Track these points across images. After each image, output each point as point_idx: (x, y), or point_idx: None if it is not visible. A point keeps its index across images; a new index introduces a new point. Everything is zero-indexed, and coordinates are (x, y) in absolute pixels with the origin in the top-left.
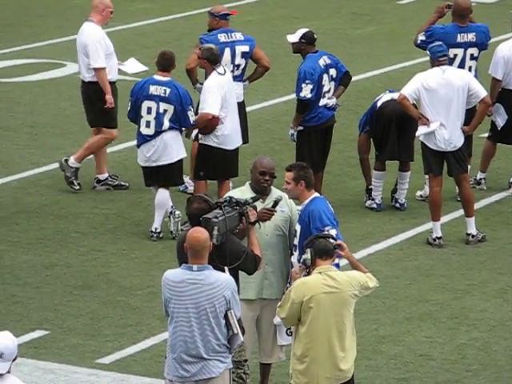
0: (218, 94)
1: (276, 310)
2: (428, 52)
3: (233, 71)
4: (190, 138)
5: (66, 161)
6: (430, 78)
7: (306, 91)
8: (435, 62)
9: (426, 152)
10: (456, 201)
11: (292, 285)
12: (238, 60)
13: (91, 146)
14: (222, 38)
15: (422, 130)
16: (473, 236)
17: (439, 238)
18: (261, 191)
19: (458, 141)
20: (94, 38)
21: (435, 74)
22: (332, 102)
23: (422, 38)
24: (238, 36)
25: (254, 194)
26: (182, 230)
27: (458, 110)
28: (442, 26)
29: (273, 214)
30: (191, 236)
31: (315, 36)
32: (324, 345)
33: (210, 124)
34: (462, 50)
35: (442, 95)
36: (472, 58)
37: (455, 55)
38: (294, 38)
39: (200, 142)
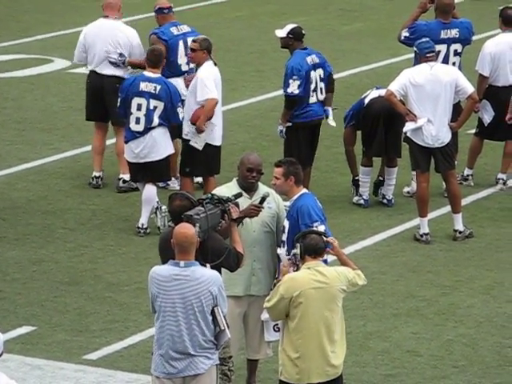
0: (213, 81)
1: (263, 305)
2: (415, 48)
3: (188, 64)
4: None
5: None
6: (417, 73)
7: (294, 87)
8: (422, 58)
9: (413, 148)
10: (443, 197)
11: (281, 280)
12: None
13: (120, 151)
14: (175, 31)
15: (409, 126)
16: (460, 232)
17: (426, 234)
18: (248, 187)
19: (446, 137)
20: (137, 39)
21: (423, 69)
22: (330, 115)
23: (405, 34)
24: (186, 28)
25: (240, 190)
26: (168, 225)
27: (445, 106)
28: (426, 22)
29: (260, 211)
30: (178, 232)
31: (303, 32)
32: (314, 340)
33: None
34: (446, 45)
35: (430, 91)
36: (456, 53)
37: (439, 51)
38: (282, 32)
39: (185, 138)
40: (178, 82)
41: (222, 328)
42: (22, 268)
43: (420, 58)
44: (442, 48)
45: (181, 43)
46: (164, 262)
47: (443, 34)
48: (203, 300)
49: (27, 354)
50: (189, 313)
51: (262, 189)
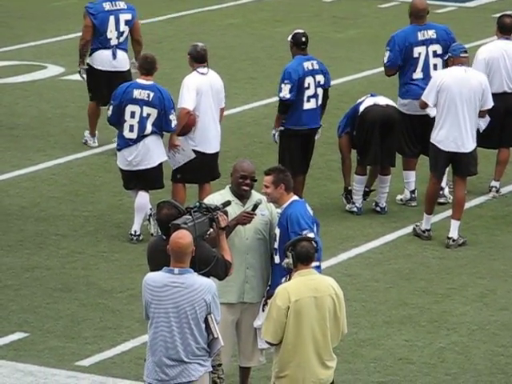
0: (194, 92)
1: (256, 312)
2: (449, 53)
3: (118, 38)
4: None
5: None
6: (450, 76)
7: (285, 91)
8: (456, 59)
9: (435, 152)
10: (438, 203)
11: (274, 293)
12: (122, 27)
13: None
14: (107, 6)
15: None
16: (453, 240)
17: (428, 231)
18: (241, 195)
19: (472, 143)
20: None
21: (456, 72)
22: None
23: (386, 54)
24: (122, 5)
25: (233, 198)
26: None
27: (473, 112)
28: (401, 30)
29: (252, 217)
30: (174, 240)
31: (303, 39)
32: (309, 349)
33: (187, 122)
34: (425, 47)
35: (460, 95)
36: (435, 55)
37: (419, 53)
38: (289, 36)
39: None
40: (105, 54)
41: (216, 336)
42: (14, 274)
43: (453, 60)
44: (422, 50)
45: (111, 18)
46: (152, 270)
47: (420, 36)
48: (197, 308)
49: (20, 360)
50: (182, 320)
51: (255, 196)
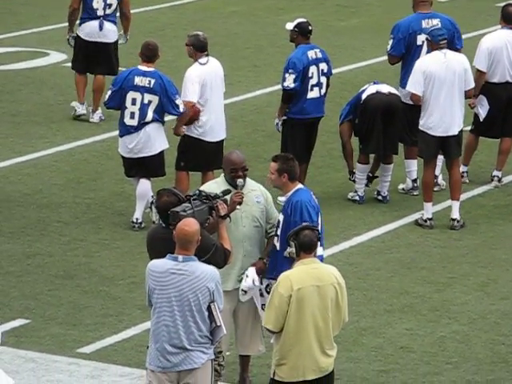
0: (198, 84)
1: (253, 301)
2: (428, 36)
3: (104, 9)
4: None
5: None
6: (431, 63)
7: (289, 81)
8: (435, 45)
9: (426, 139)
10: (434, 191)
11: (277, 281)
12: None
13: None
14: None
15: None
16: (457, 221)
17: (430, 219)
18: (235, 186)
19: (459, 125)
20: None
21: (436, 58)
22: None
23: (389, 43)
24: None
25: (228, 186)
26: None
27: (459, 94)
28: (406, 17)
29: (242, 197)
30: (180, 228)
31: (310, 28)
32: (310, 337)
33: (191, 114)
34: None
35: (444, 80)
36: None
37: (423, 41)
38: (290, 25)
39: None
40: (92, 25)
41: (218, 324)
42: (16, 261)
43: (432, 45)
44: (425, 38)
45: None
46: (151, 258)
47: (425, 24)
48: (200, 295)
49: (21, 347)
50: (185, 308)
51: (250, 184)
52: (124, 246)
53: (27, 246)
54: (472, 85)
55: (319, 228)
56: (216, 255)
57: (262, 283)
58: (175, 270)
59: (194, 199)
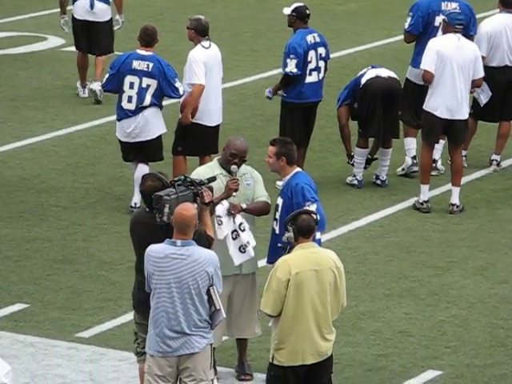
0: (203, 65)
1: (247, 284)
2: (445, 17)
3: None
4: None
5: None
6: (444, 45)
7: (292, 66)
8: (450, 28)
9: (431, 119)
10: (431, 175)
11: (274, 265)
12: None
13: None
14: None
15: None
16: (457, 206)
17: (427, 202)
18: (229, 171)
19: (466, 110)
20: None
21: (450, 40)
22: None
23: (408, 20)
24: None
25: (221, 171)
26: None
27: (467, 80)
28: None
29: (237, 183)
30: (177, 212)
31: (308, 12)
32: (309, 321)
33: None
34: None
35: (456, 62)
36: None
37: (440, 23)
38: (287, 10)
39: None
40: (83, 4)
41: (218, 308)
42: (15, 246)
43: (447, 28)
44: (442, 20)
45: None
46: (134, 242)
47: (444, 6)
48: (199, 280)
49: (20, 332)
50: (184, 292)
51: (244, 169)
52: (123, 230)
53: (26, 230)
54: (481, 74)
55: (320, 211)
56: (199, 242)
57: (235, 222)
58: (174, 255)
59: (178, 184)
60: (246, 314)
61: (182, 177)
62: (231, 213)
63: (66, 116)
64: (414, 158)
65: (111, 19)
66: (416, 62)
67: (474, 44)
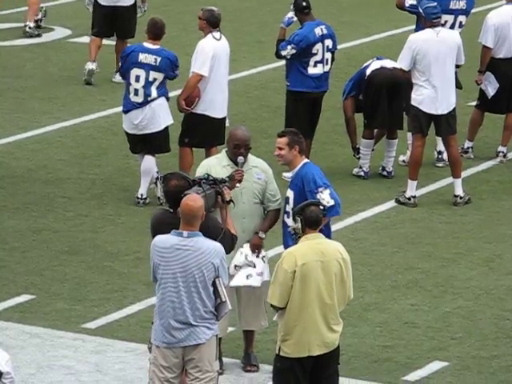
0: (211, 57)
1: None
2: (421, 11)
3: None
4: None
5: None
6: (423, 40)
7: (288, 52)
8: (428, 22)
9: (418, 114)
10: (435, 166)
11: (281, 257)
12: None
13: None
14: None
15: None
16: (461, 197)
17: (414, 197)
18: (236, 163)
19: (453, 102)
20: None
21: (428, 35)
22: None
23: (411, 1)
24: None
25: (229, 162)
26: (162, 208)
27: (451, 71)
28: None
29: (242, 174)
30: (185, 203)
31: (304, 4)
32: (315, 313)
33: (192, 94)
34: (453, 16)
35: (437, 57)
36: (460, 25)
37: (446, 21)
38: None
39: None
40: None
41: (223, 300)
42: (21, 237)
43: (425, 23)
44: (449, 19)
45: None
46: None
47: (452, 5)
48: (205, 271)
49: (26, 323)
50: (190, 283)
51: (252, 160)
52: (129, 221)
53: (32, 221)
54: (461, 61)
55: (334, 196)
56: (224, 240)
57: (258, 256)
58: (180, 246)
59: (203, 183)
60: (253, 306)
61: (206, 175)
62: (256, 251)
63: (73, 107)
64: None
65: (135, 4)
66: None
67: (453, 32)
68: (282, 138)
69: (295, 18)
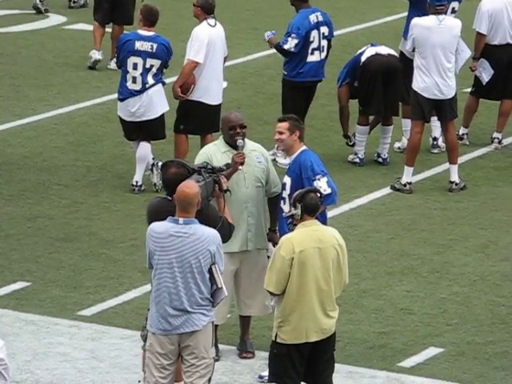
0: (206, 44)
1: (256, 261)
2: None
3: None
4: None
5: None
6: (426, 26)
7: (291, 44)
8: (432, 8)
9: (419, 100)
10: (430, 153)
11: (278, 244)
12: None
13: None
14: None
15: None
16: (456, 184)
17: (410, 184)
18: (235, 146)
19: (454, 88)
20: None
21: (432, 22)
22: None
23: None
24: None
25: (227, 148)
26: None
27: (452, 59)
28: None
29: (243, 157)
30: (180, 190)
31: None
32: (313, 299)
33: (187, 81)
34: (446, 2)
35: (439, 43)
36: (453, 11)
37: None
38: None
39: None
40: None
41: (220, 286)
42: (16, 224)
43: (429, 8)
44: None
45: None
46: None
47: None
48: (201, 258)
49: (22, 310)
50: (186, 270)
51: (250, 144)
52: (124, 208)
53: (27, 208)
54: (468, 52)
55: (331, 184)
56: (222, 229)
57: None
58: (176, 233)
59: (203, 171)
60: (253, 290)
61: (205, 163)
62: (276, 245)
63: (68, 94)
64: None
65: None
66: (407, 33)
67: (456, 21)
68: (283, 122)
69: (274, 31)
